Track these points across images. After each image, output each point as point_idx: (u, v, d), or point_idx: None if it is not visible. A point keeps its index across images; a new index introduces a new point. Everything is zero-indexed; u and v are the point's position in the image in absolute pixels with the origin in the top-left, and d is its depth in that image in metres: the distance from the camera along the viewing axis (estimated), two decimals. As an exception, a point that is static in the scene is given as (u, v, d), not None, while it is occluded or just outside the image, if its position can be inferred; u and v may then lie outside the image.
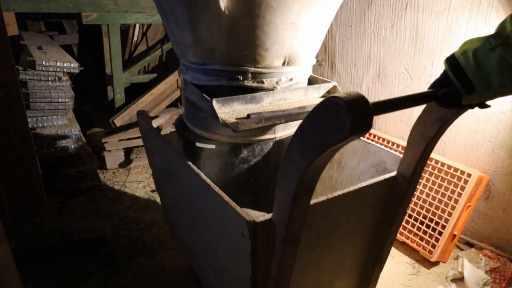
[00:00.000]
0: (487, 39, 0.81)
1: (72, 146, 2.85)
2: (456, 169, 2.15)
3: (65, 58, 2.86)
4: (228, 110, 1.27)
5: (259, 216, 0.94)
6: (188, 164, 1.24)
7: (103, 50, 3.55)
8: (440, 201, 2.17)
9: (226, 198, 1.03)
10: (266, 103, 1.35)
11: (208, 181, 1.13)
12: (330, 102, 0.67)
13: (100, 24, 3.36)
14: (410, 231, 2.26)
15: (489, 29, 1.98)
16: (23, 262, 2.05)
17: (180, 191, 1.51)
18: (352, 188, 1.11)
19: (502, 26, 0.80)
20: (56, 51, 3.06)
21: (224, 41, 1.28)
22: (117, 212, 2.63)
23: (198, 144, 1.52)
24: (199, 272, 1.73)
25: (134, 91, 3.87)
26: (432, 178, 2.24)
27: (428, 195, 2.23)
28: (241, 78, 1.34)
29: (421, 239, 2.19)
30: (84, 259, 2.14)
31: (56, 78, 2.76)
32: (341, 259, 1.31)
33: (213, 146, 1.50)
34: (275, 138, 1.48)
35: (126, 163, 3.33)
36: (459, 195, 2.09)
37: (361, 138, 1.53)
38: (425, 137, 1.06)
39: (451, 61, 0.85)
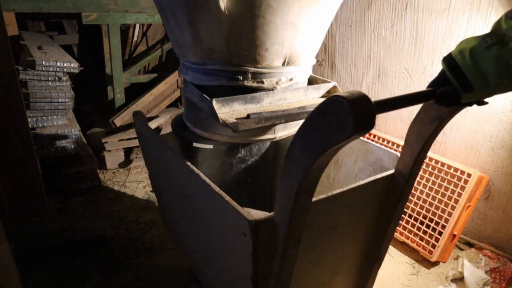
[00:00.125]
0: (483, 38, 0.82)
1: (72, 146, 2.85)
2: (456, 169, 2.15)
3: (65, 58, 2.86)
4: (228, 110, 1.27)
5: (261, 215, 0.94)
6: (188, 164, 1.24)
7: (103, 50, 3.55)
8: (440, 201, 2.17)
9: (227, 198, 1.03)
10: (266, 103, 1.35)
11: (208, 181, 1.13)
12: (333, 101, 0.67)
13: (100, 24, 3.36)
14: (410, 231, 2.26)
15: (489, 29, 1.97)
16: (23, 262, 2.05)
17: (179, 192, 1.50)
18: (352, 185, 1.11)
19: (497, 25, 0.81)
20: (56, 51, 3.06)
21: (224, 41, 1.28)
22: (117, 212, 2.63)
23: (195, 144, 1.52)
24: (198, 272, 1.73)
25: (134, 91, 3.87)
26: (432, 178, 2.24)
27: (428, 195, 2.23)
28: (241, 78, 1.34)
29: (421, 239, 2.19)
30: (84, 259, 2.14)
31: (56, 78, 2.76)
32: (340, 258, 1.31)
33: (210, 146, 1.50)
34: (275, 138, 1.48)
35: (126, 163, 3.33)
36: (459, 195, 2.09)
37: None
38: (423, 136, 1.07)
39: (449, 60, 0.86)
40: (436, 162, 2.24)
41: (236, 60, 1.32)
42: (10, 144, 2.25)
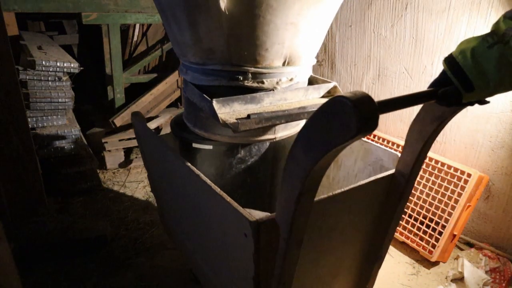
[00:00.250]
0: (483, 38, 0.82)
1: (72, 146, 2.85)
2: (456, 169, 2.15)
3: (65, 58, 2.86)
4: (228, 111, 1.27)
5: (262, 216, 0.93)
6: (188, 165, 1.23)
7: (103, 50, 3.55)
8: (440, 201, 2.17)
9: (228, 198, 1.03)
10: (266, 103, 1.35)
11: (209, 182, 1.12)
12: (336, 101, 0.67)
13: (100, 24, 3.36)
14: (410, 231, 2.26)
15: (489, 29, 1.97)
16: (23, 262, 2.05)
17: (179, 192, 1.50)
18: (353, 185, 1.12)
19: (497, 24, 0.81)
20: (56, 51, 3.06)
21: (224, 41, 1.28)
22: (117, 212, 2.63)
23: (195, 145, 1.51)
24: (198, 272, 1.72)
25: (134, 91, 3.86)
26: (432, 178, 2.24)
27: (428, 195, 2.23)
28: (241, 78, 1.34)
29: (421, 239, 2.19)
30: (84, 259, 2.14)
31: (56, 78, 2.76)
32: (341, 258, 1.31)
33: (210, 147, 1.50)
34: (275, 138, 1.48)
35: (126, 163, 3.33)
36: (459, 195, 2.09)
37: (360, 137, 1.53)
38: (423, 135, 1.07)
39: (450, 61, 0.86)
40: (436, 162, 2.24)
41: (236, 60, 1.32)
42: (10, 144, 2.25)
